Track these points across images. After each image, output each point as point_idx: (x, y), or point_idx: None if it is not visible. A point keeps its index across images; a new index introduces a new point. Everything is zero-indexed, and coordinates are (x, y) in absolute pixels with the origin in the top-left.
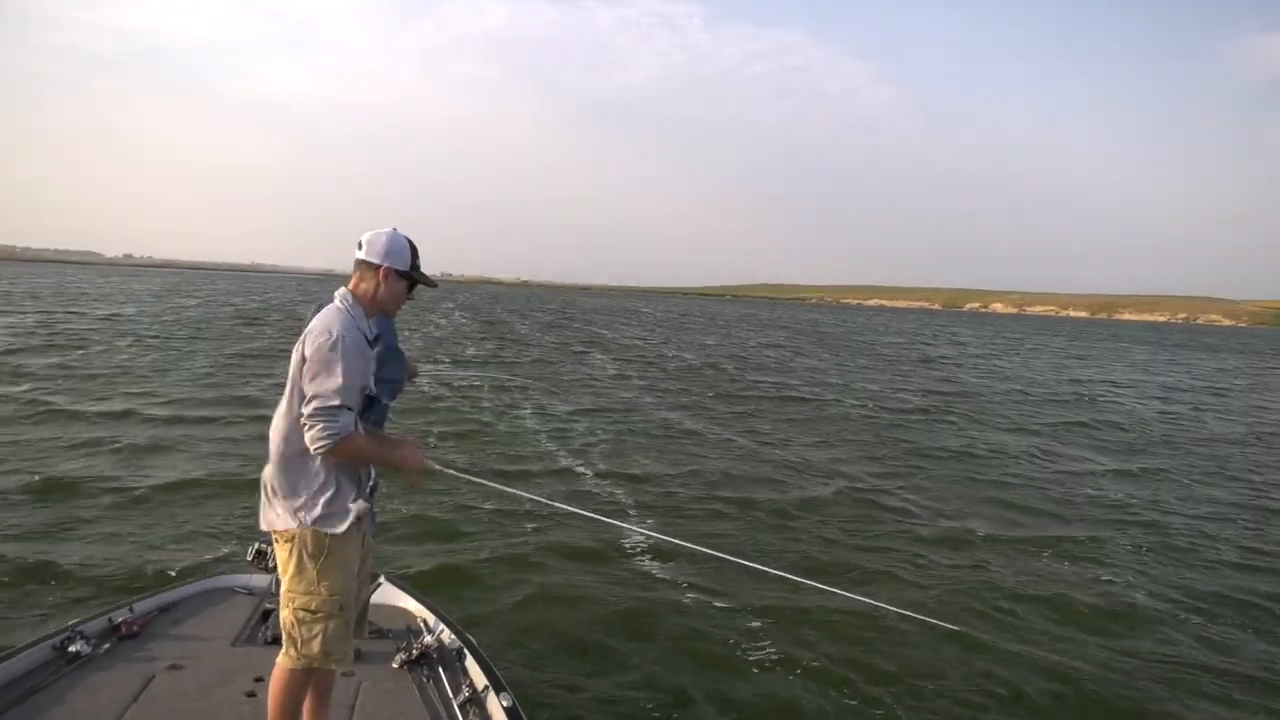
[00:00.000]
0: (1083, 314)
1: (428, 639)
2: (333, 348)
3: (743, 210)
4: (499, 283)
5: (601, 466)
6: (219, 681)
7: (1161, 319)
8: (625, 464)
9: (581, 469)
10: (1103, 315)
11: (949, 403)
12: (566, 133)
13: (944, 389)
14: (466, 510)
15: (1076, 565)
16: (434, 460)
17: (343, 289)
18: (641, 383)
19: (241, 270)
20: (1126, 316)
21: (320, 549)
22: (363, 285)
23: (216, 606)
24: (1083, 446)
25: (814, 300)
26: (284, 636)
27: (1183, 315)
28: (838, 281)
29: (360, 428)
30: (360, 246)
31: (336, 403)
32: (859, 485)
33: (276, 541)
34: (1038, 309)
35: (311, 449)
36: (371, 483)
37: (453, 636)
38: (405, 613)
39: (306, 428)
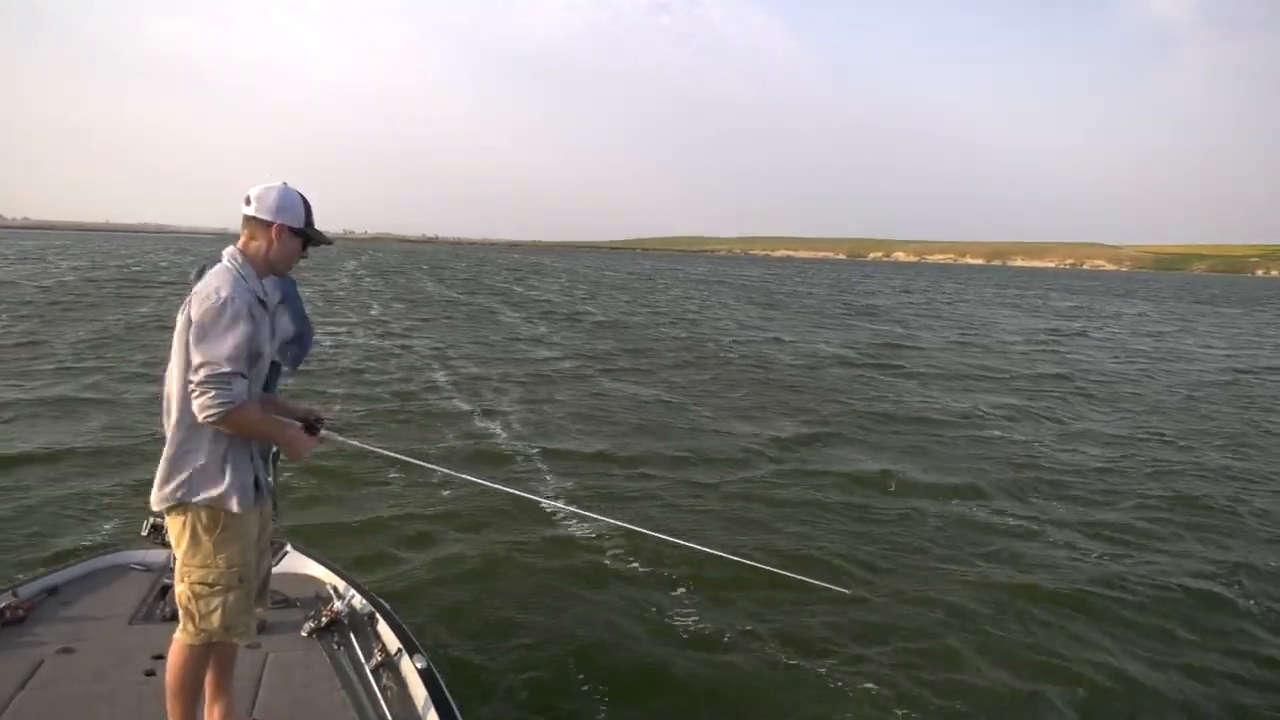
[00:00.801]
0: (978, 261)
1: (337, 605)
2: (221, 310)
3: (652, 165)
4: (404, 240)
5: (517, 429)
6: (115, 662)
7: (1051, 265)
8: (541, 429)
9: (496, 434)
10: (996, 262)
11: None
12: (468, 85)
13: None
14: (376, 480)
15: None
16: (333, 432)
17: (231, 248)
18: (559, 341)
19: (134, 230)
20: (1018, 263)
21: (215, 523)
22: (253, 244)
23: (110, 585)
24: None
25: (723, 252)
26: (180, 612)
27: (1070, 261)
28: (745, 234)
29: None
30: (249, 202)
31: (227, 370)
32: (781, 450)
33: (168, 515)
34: (937, 257)
35: (200, 418)
36: (274, 450)
37: (364, 602)
38: (314, 580)
39: (195, 395)
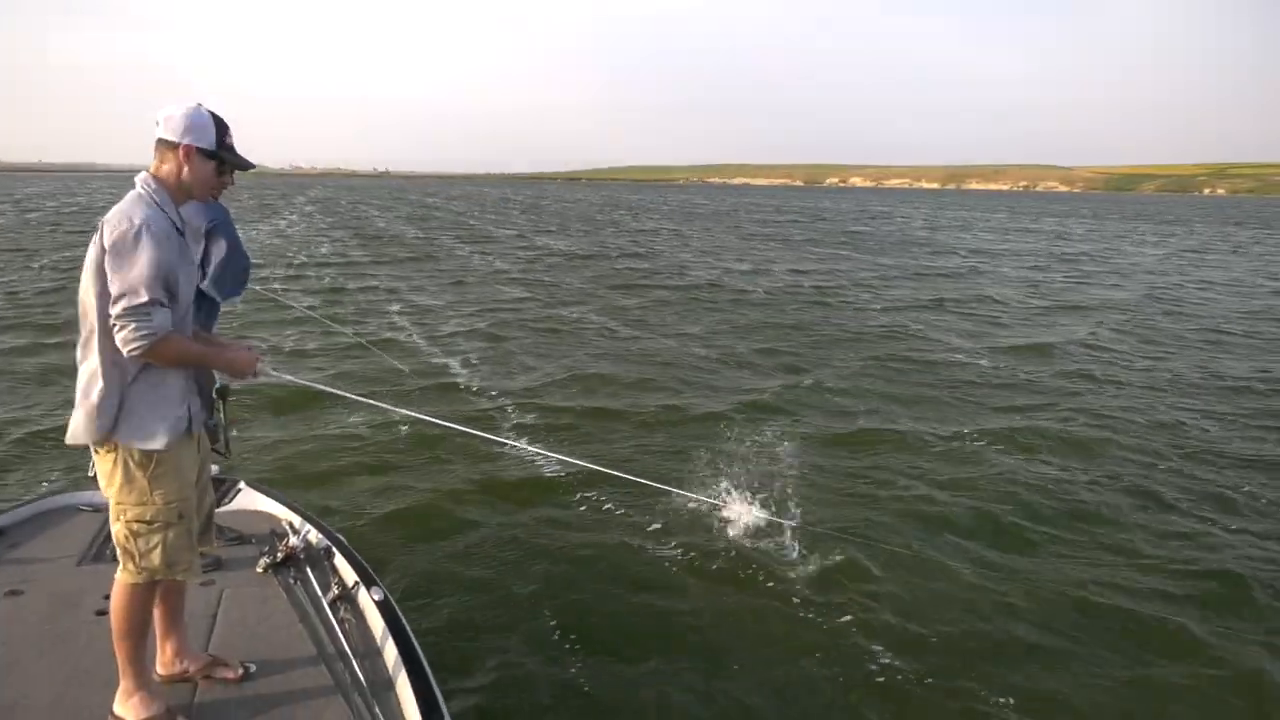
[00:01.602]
0: (934, 185)
1: (293, 540)
2: (135, 237)
3: (603, 94)
4: (356, 174)
5: (477, 366)
6: (65, 604)
7: (1005, 187)
8: (502, 367)
9: (455, 371)
10: (952, 186)
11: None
12: (412, 12)
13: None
14: (326, 419)
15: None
16: (271, 366)
17: (143, 173)
18: (519, 278)
19: (75, 170)
20: (974, 186)
21: (148, 459)
22: (164, 167)
23: (57, 527)
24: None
25: (681, 180)
26: (119, 551)
27: (1024, 183)
28: (702, 161)
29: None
30: (158, 124)
31: (145, 299)
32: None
33: (96, 453)
34: (894, 182)
35: (124, 351)
36: (216, 385)
37: (320, 536)
38: (268, 516)
39: (116, 329)
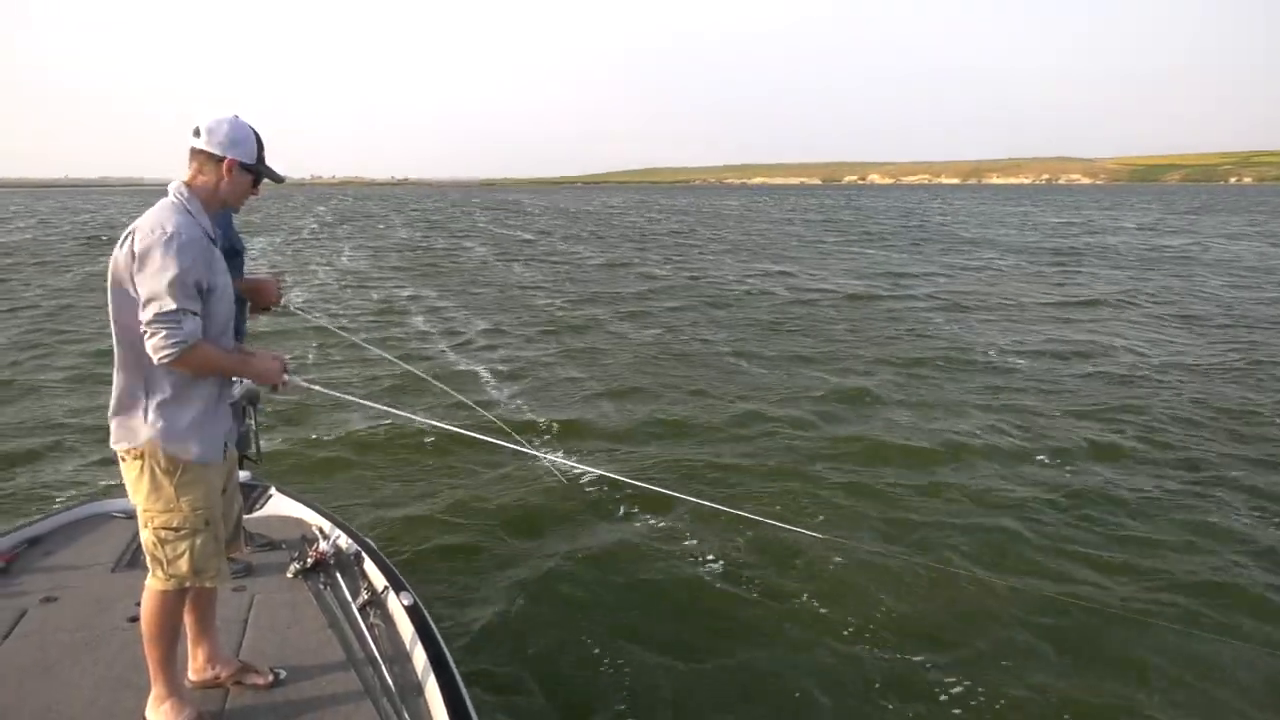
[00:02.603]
0: (954, 180)
1: (323, 546)
2: (167, 245)
3: (620, 100)
4: (373, 183)
5: (504, 374)
6: (99, 610)
7: (1027, 181)
8: (530, 377)
9: (484, 381)
10: (973, 180)
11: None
12: (432, 21)
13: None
14: (357, 430)
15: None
16: (300, 378)
17: (177, 182)
18: (549, 287)
19: (89, 185)
20: (994, 180)
21: (174, 467)
22: (201, 178)
23: (92, 534)
24: None
25: (698, 182)
26: (148, 559)
27: (1046, 176)
28: (718, 163)
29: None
30: (198, 134)
31: (175, 306)
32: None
33: (124, 460)
34: (912, 179)
35: (155, 359)
36: (243, 394)
37: (350, 541)
38: (299, 522)
39: (147, 336)
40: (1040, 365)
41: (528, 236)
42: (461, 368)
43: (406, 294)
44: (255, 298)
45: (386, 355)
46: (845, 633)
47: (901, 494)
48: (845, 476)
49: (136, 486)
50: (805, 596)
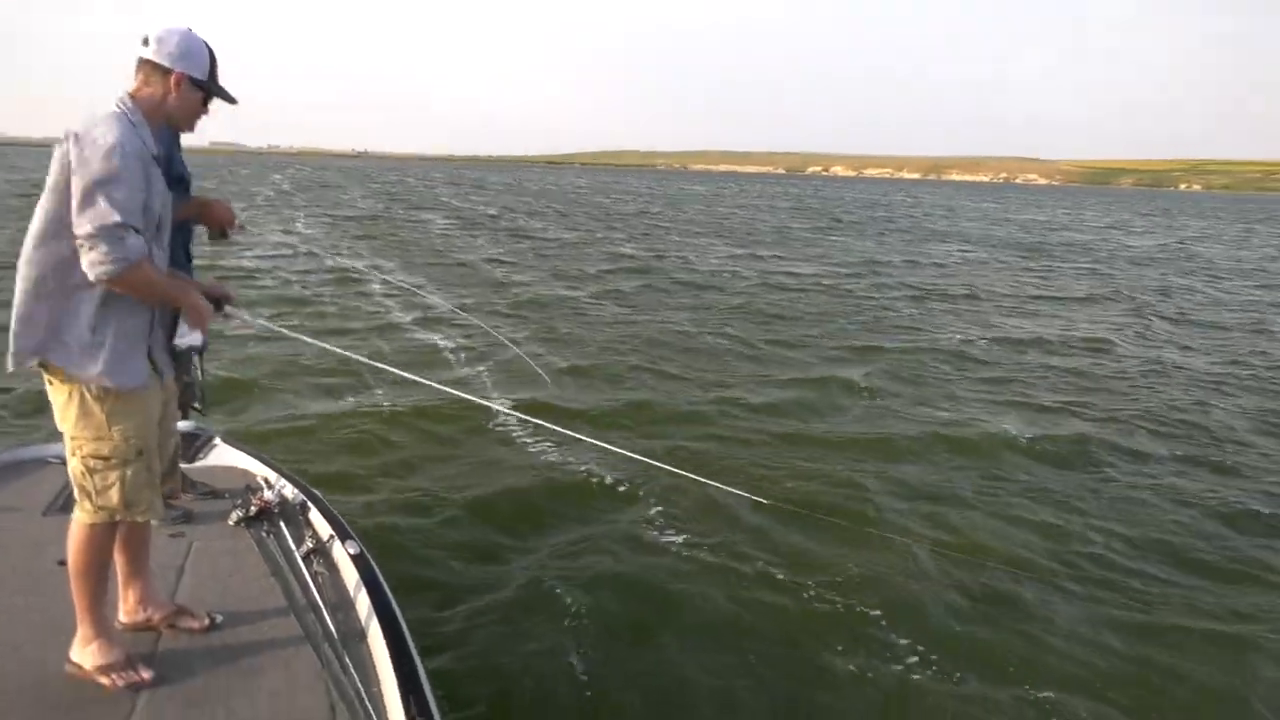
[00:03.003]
0: (915, 175)
1: (267, 495)
2: (108, 156)
3: (586, 81)
4: (333, 154)
5: (464, 345)
6: (28, 553)
7: (985, 179)
8: (491, 347)
9: (434, 336)
10: (933, 176)
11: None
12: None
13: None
14: (303, 373)
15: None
16: (245, 312)
17: (122, 93)
18: (513, 262)
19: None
20: (954, 176)
21: (105, 393)
22: (147, 90)
23: (24, 478)
24: None
25: (662, 166)
26: (75, 490)
27: (1004, 175)
28: (682, 148)
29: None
30: (146, 44)
31: (119, 220)
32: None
33: (50, 383)
34: (874, 171)
35: (91, 276)
36: (193, 342)
37: (295, 491)
38: (242, 472)
39: (85, 249)
40: (1006, 351)
41: (492, 212)
42: (419, 336)
43: (364, 264)
44: (206, 220)
45: (328, 347)
46: (806, 594)
47: (861, 467)
48: (811, 451)
49: (64, 413)
50: (759, 562)
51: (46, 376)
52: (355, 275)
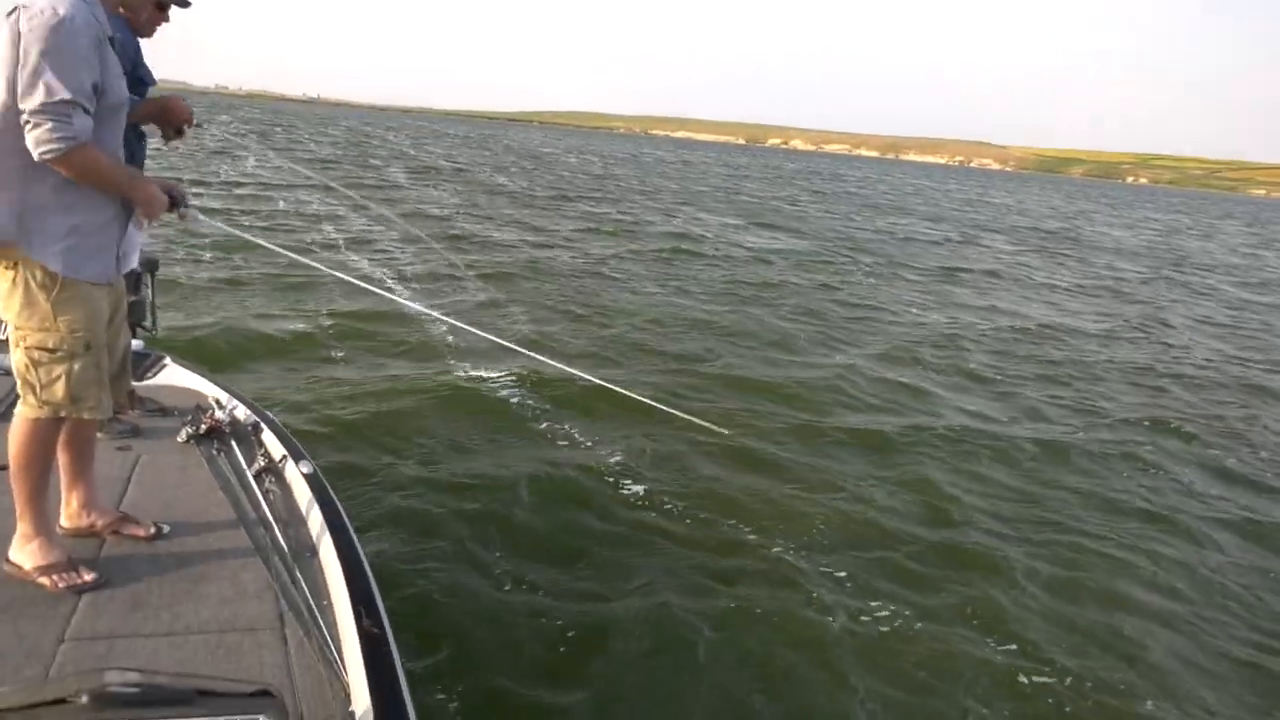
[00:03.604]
0: (873, 154)
1: (218, 414)
2: (57, 28)
3: (549, 37)
4: (285, 98)
5: (416, 280)
6: None
7: (942, 161)
8: (445, 284)
9: (380, 258)
10: (890, 155)
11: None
12: None
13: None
14: (254, 282)
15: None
16: (196, 210)
17: None
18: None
19: None
20: (911, 157)
21: (53, 281)
22: None
23: None
24: None
25: (621, 129)
26: (19, 383)
27: (960, 158)
28: (645, 113)
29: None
30: None
31: (66, 97)
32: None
33: None
34: (833, 147)
35: (36, 154)
36: (141, 260)
37: (247, 412)
38: (193, 392)
39: (29, 128)
40: (968, 322)
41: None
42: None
43: (323, 209)
44: (165, 119)
45: (283, 251)
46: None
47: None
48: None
49: (8, 300)
50: (717, 493)
51: None
52: (308, 215)
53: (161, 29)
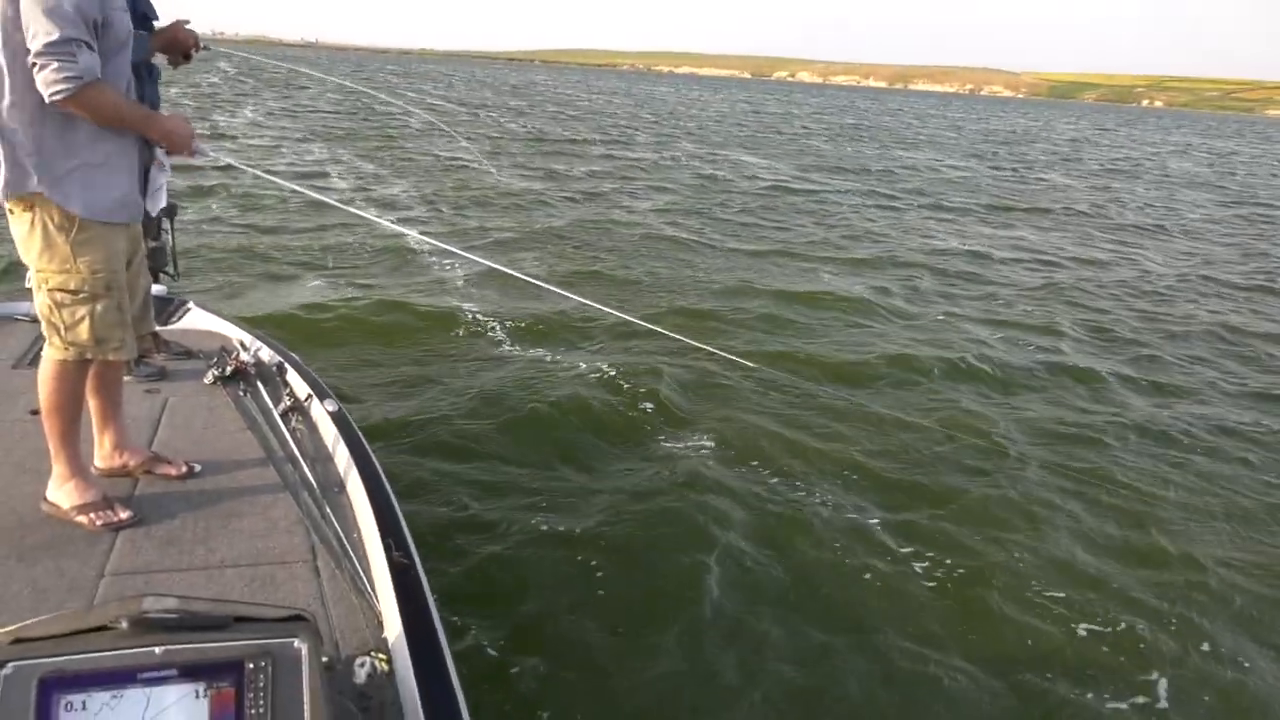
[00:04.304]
0: (881, 84)
1: (244, 356)
2: None
3: None
4: (282, 44)
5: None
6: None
7: (952, 89)
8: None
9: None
10: (899, 85)
11: None
12: None
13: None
14: (271, 224)
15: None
16: (209, 146)
17: None
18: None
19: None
20: (920, 86)
21: (69, 221)
22: None
23: None
24: None
25: (626, 66)
26: (44, 325)
27: (969, 86)
28: (646, 48)
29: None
30: None
31: (70, 34)
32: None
33: (12, 214)
34: (840, 78)
35: (45, 96)
36: (151, 160)
37: (272, 353)
38: (218, 335)
39: (37, 70)
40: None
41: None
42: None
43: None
44: (171, 46)
45: (293, 186)
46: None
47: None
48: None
49: (27, 244)
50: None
51: (8, 206)
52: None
53: None
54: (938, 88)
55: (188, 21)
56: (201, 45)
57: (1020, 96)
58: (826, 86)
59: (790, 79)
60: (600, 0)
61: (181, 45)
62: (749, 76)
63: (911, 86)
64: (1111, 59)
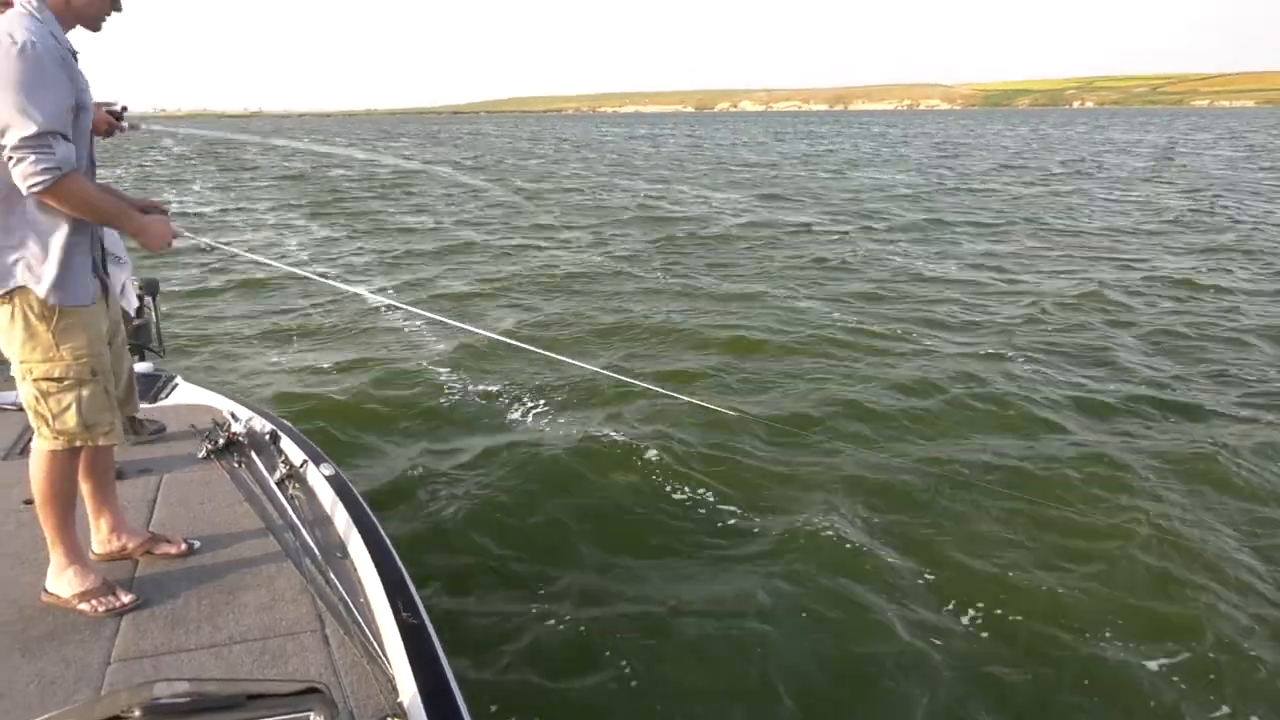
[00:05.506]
0: (823, 106)
1: (236, 427)
2: (20, 55)
3: (485, 24)
4: (225, 115)
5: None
6: None
7: (890, 106)
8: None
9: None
10: (839, 106)
11: None
12: None
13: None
14: (246, 294)
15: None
16: (185, 229)
17: None
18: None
19: None
20: (860, 106)
21: (49, 311)
22: None
23: None
24: None
25: (571, 110)
26: (31, 416)
27: (908, 102)
28: (589, 91)
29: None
30: None
31: (45, 128)
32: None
33: None
34: (782, 105)
35: (24, 188)
36: (141, 284)
37: (264, 422)
38: (208, 409)
39: (13, 164)
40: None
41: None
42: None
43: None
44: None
45: (270, 262)
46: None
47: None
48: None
49: (8, 336)
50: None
51: None
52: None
53: (98, 45)
54: (877, 106)
55: (115, 104)
56: (127, 124)
57: (957, 108)
58: (770, 114)
59: (733, 109)
60: (540, 49)
61: (104, 123)
62: (693, 110)
63: (850, 107)
64: (1042, 64)
